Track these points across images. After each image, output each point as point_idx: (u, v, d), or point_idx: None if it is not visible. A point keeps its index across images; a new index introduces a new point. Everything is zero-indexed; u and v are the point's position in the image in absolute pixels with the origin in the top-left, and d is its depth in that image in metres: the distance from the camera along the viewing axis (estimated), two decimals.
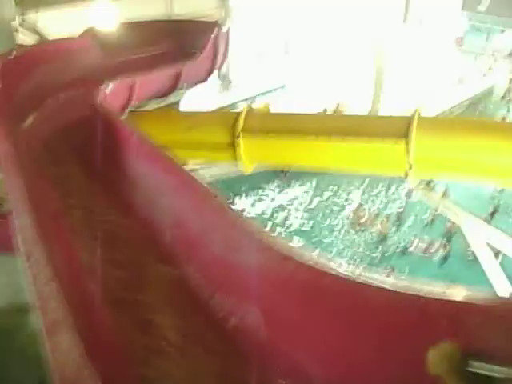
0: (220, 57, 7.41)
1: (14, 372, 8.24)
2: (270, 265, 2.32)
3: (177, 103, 8.22)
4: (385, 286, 2.00)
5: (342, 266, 2.14)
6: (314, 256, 2.26)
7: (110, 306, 2.65)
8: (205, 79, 7.48)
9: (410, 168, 5.09)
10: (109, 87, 5.15)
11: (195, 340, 2.48)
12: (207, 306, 2.62)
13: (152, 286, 2.84)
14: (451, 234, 11.56)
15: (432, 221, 12.78)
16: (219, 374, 2.34)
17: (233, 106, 18.78)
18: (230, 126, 5.54)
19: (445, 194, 11.39)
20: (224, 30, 7.85)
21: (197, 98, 9.35)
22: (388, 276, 2.30)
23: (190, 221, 2.90)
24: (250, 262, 2.44)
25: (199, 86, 7.64)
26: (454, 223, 10.42)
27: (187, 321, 2.65)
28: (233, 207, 2.63)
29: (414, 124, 5.03)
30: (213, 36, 7.15)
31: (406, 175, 5.22)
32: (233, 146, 5.47)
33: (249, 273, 2.43)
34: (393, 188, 14.29)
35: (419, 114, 5.18)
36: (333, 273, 2.12)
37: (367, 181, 14.52)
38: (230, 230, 2.55)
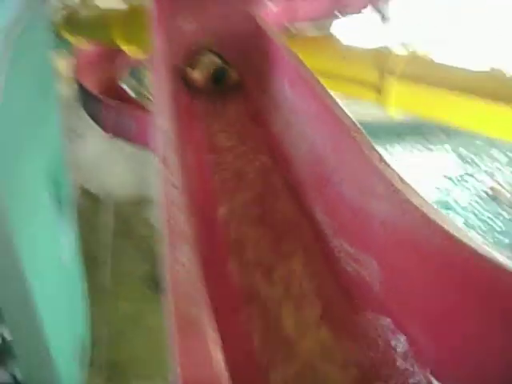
0: None
1: (126, 262, 8.77)
2: (402, 220, 2.13)
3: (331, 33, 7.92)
4: None
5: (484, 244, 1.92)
6: (454, 224, 2.03)
7: (235, 235, 2.62)
8: (364, 7, 7.08)
9: None
10: (273, 3, 5.02)
11: (311, 281, 2.39)
12: (328, 247, 2.50)
13: (278, 219, 2.76)
14: None
15: None
16: (328, 321, 2.24)
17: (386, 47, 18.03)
18: (383, 66, 5.26)
19: None
20: None
21: (351, 31, 8.98)
22: None
23: (325, 153, 2.74)
24: (381, 213, 2.26)
25: (356, 16, 7.29)
26: None
27: (308, 259, 2.55)
28: (375, 147, 2.39)
29: None
30: None
31: None
32: (382, 87, 5.21)
33: (377, 224, 2.26)
34: None
35: None
36: (473, 246, 1.88)
37: None
38: (367, 172, 2.36)
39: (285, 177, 3.01)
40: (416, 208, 2.06)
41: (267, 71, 3.73)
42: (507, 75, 5.10)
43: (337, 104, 2.69)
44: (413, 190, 2.13)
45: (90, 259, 7.37)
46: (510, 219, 11.88)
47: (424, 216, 2.04)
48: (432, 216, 2.04)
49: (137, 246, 9.10)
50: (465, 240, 1.91)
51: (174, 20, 4.62)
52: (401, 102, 5.28)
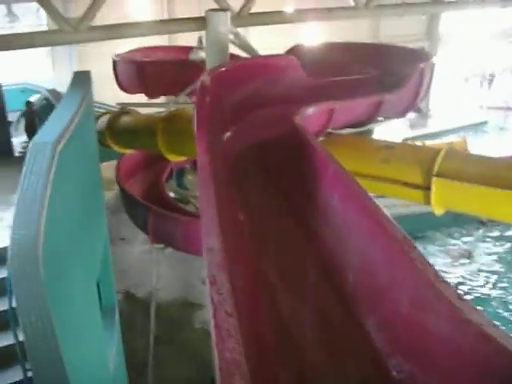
0: (424, 89, 7.09)
1: (172, 365, 8.62)
2: (462, 339, 2.06)
3: (370, 131, 8.05)
4: None
5: None
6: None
7: (279, 344, 2.56)
8: (405, 112, 7.22)
9: None
10: (309, 109, 5.13)
11: None
12: (385, 364, 2.41)
13: (327, 329, 2.70)
14: None
15: None
16: None
17: (426, 136, 18.26)
18: (426, 165, 5.26)
19: None
20: (432, 60, 7.52)
21: (388, 128, 9.14)
22: None
23: (378, 268, 2.69)
24: (440, 331, 2.19)
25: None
26: None
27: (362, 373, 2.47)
28: (430, 262, 2.35)
29: None
30: (421, 66, 6.85)
31: None
32: (427, 187, 5.20)
33: (436, 342, 2.19)
34: None
35: None
36: None
37: None
38: (423, 289, 2.31)
39: (337, 290, 2.96)
40: (476, 327, 1.99)
41: (312, 181, 3.75)
42: None
43: (388, 219, 2.68)
44: (471, 306, 2.08)
45: (134, 364, 7.28)
46: None
47: (484, 335, 1.97)
48: (492, 334, 1.98)
49: (180, 350, 8.97)
50: None
51: (216, 130, 4.75)
52: (445, 200, 5.25)
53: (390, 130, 11.12)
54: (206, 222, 2.85)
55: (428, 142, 15.95)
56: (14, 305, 5.34)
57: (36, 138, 4.44)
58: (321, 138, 5.62)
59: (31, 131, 11.40)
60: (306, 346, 2.56)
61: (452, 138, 18.66)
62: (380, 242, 2.69)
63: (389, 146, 5.83)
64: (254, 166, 4.70)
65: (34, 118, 11.64)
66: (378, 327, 2.56)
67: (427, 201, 5.28)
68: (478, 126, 22.54)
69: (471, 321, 2.02)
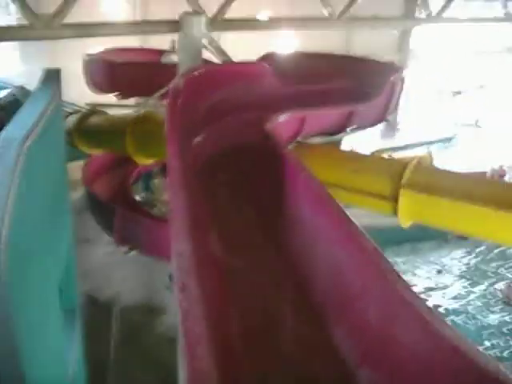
0: (394, 102, 7.18)
1: (133, 371, 8.50)
2: (434, 353, 2.06)
3: (339, 141, 8.10)
4: None
5: None
6: (487, 356, 1.96)
7: (247, 352, 2.53)
8: (375, 123, 7.30)
9: None
10: (280, 117, 5.14)
11: None
12: (353, 376, 2.40)
13: (296, 338, 2.67)
14: None
15: None
16: None
17: (393, 149, 18.45)
18: (395, 176, 5.32)
19: None
20: (402, 73, 7.62)
21: (357, 139, 9.21)
22: None
23: (347, 278, 2.69)
24: (408, 342, 2.19)
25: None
26: None
27: None
28: (400, 273, 2.36)
29: None
30: (392, 79, 6.93)
31: None
32: (394, 199, 5.25)
33: (406, 354, 2.19)
34: None
35: None
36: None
37: None
38: (393, 300, 2.31)
39: (306, 299, 2.94)
40: (446, 340, 2.00)
41: (282, 189, 3.74)
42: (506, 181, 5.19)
43: (358, 228, 2.68)
44: (443, 320, 2.08)
45: (95, 369, 7.16)
46: None
47: (455, 348, 1.98)
48: (463, 348, 1.98)
49: (142, 355, 8.85)
50: (500, 375, 1.85)
51: (187, 134, 4.72)
52: (411, 213, 5.31)
53: (358, 141, 11.18)
54: (176, 227, 2.81)
55: (394, 155, 16.12)
56: None
57: (3, 134, 4.33)
58: (291, 146, 5.63)
59: None
60: (274, 356, 2.54)
61: (418, 152, 18.89)
62: (350, 252, 2.69)
63: (358, 157, 5.89)
64: (224, 172, 4.68)
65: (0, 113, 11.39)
66: (346, 338, 2.55)
67: (394, 212, 5.33)
68: (446, 141, 22.87)
69: (441, 333, 2.02)
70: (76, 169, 9.69)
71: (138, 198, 10.81)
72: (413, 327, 2.15)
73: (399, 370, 2.22)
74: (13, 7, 15.18)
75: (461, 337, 2.02)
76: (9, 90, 13.13)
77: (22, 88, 12.51)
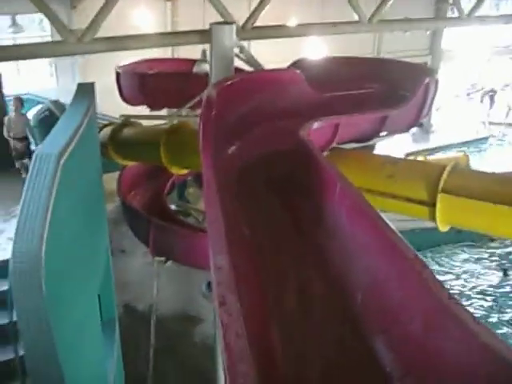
0: (428, 105, 7.06)
1: (172, 380, 8.54)
2: (480, 364, 2.00)
3: (372, 146, 8.02)
4: None
5: None
6: None
7: (288, 364, 2.49)
8: (409, 128, 7.19)
9: None
10: (315, 123, 5.10)
11: None
12: None
13: (336, 348, 2.64)
14: None
15: None
16: None
17: (428, 151, 18.25)
18: (432, 181, 5.22)
19: None
20: (436, 75, 7.49)
21: (391, 142, 9.12)
22: None
23: (388, 288, 2.64)
24: (453, 353, 2.14)
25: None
26: None
27: None
28: (442, 282, 2.30)
29: None
30: (425, 82, 6.82)
31: None
32: (432, 204, 5.15)
33: (450, 366, 2.13)
34: None
35: None
36: None
37: None
38: (436, 310, 2.25)
39: (345, 308, 2.90)
40: (496, 353, 1.93)
41: (319, 197, 3.70)
42: None
43: (398, 236, 2.63)
44: (490, 331, 2.02)
45: (134, 377, 7.21)
46: None
47: (502, 360, 1.91)
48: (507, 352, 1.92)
49: (180, 364, 8.88)
50: None
51: (221, 144, 4.71)
52: (450, 217, 5.20)
53: (392, 144, 11.07)
54: (214, 240, 2.80)
55: (430, 157, 15.91)
56: (14, 319, 5.27)
57: (40, 149, 4.40)
58: (325, 153, 5.59)
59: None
60: (316, 371, 2.50)
61: (454, 153, 18.64)
62: (390, 261, 2.63)
63: (394, 162, 5.79)
64: (259, 181, 4.66)
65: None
66: (388, 348, 2.50)
67: (432, 217, 5.23)
68: (479, 142, 22.56)
69: (489, 345, 1.96)
70: (111, 180, 9.79)
71: (172, 207, 10.87)
72: (458, 338, 2.09)
73: (444, 383, 2.17)
74: (47, 23, 15.44)
75: (509, 348, 1.95)
76: (44, 105, 13.38)
77: (57, 102, 12.72)
